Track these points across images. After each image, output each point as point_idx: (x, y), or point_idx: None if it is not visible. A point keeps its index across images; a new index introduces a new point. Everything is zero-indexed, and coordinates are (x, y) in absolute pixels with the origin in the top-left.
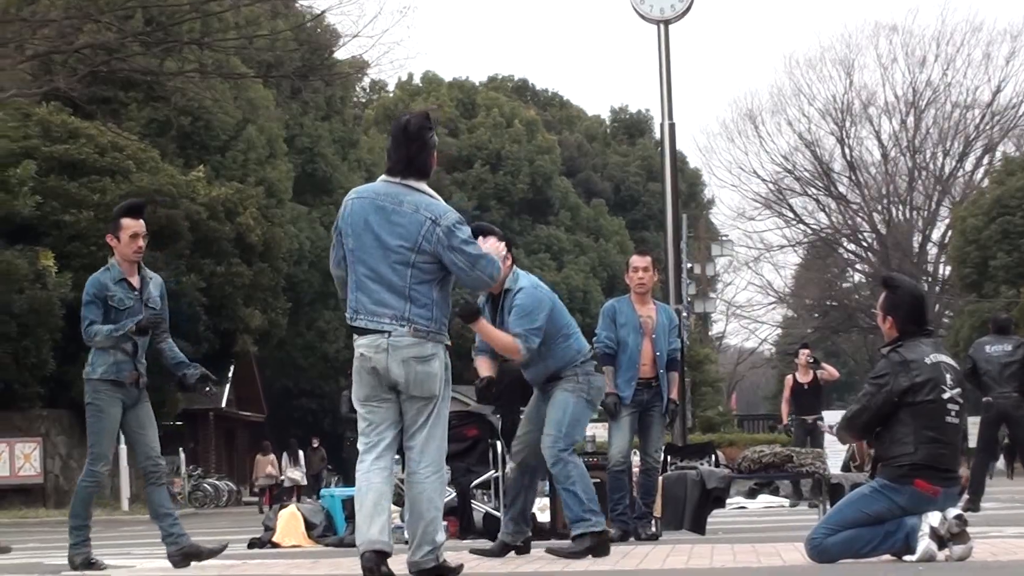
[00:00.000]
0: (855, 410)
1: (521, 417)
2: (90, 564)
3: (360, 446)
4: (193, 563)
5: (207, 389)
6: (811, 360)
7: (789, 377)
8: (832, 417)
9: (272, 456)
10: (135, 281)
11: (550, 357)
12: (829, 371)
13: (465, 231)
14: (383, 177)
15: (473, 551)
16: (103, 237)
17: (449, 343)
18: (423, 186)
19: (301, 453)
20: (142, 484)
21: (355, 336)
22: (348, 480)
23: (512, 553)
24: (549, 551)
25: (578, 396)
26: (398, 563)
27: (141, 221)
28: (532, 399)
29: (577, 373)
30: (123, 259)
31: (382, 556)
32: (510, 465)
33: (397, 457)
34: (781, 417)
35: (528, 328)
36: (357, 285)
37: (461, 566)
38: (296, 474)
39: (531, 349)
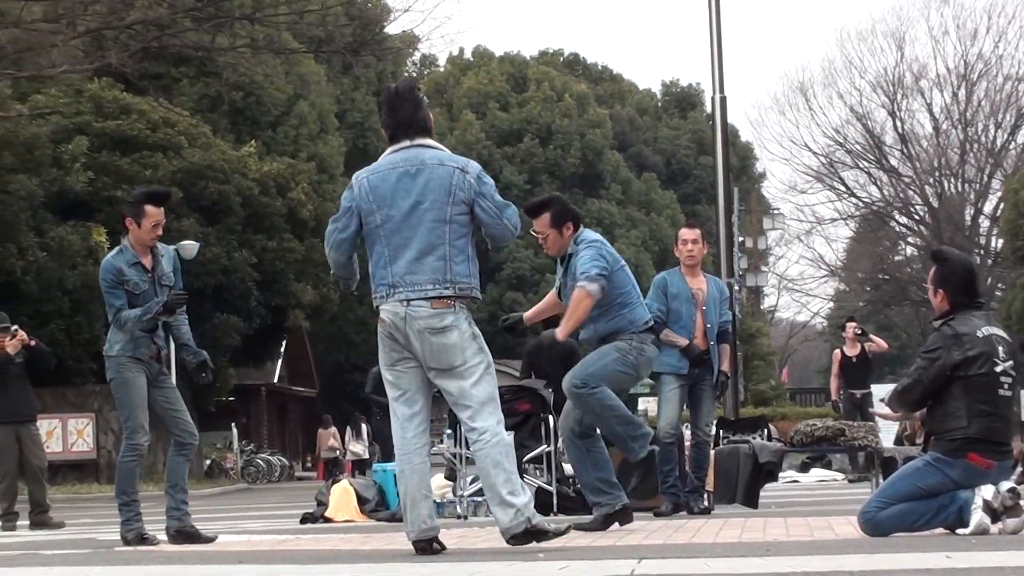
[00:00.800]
0: (907, 384)
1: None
2: (143, 539)
3: (394, 416)
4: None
5: (203, 376)
6: (859, 332)
7: (837, 351)
8: (881, 390)
9: (334, 429)
10: (147, 262)
11: (603, 319)
12: (878, 343)
13: (489, 178)
14: (390, 148)
15: (577, 527)
16: None
17: (479, 296)
18: (433, 142)
19: (364, 427)
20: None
21: (382, 304)
22: (386, 456)
23: (616, 524)
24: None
25: (621, 354)
26: (451, 537)
27: (162, 209)
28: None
29: (631, 339)
30: (139, 243)
31: (433, 539)
32: (562, 441)
33: (449, 432)
34: (831, 392)
35: (592, 266)
36: (392, 258)
37: (557, 529)
38: (359, 447)
39: (596, 285)
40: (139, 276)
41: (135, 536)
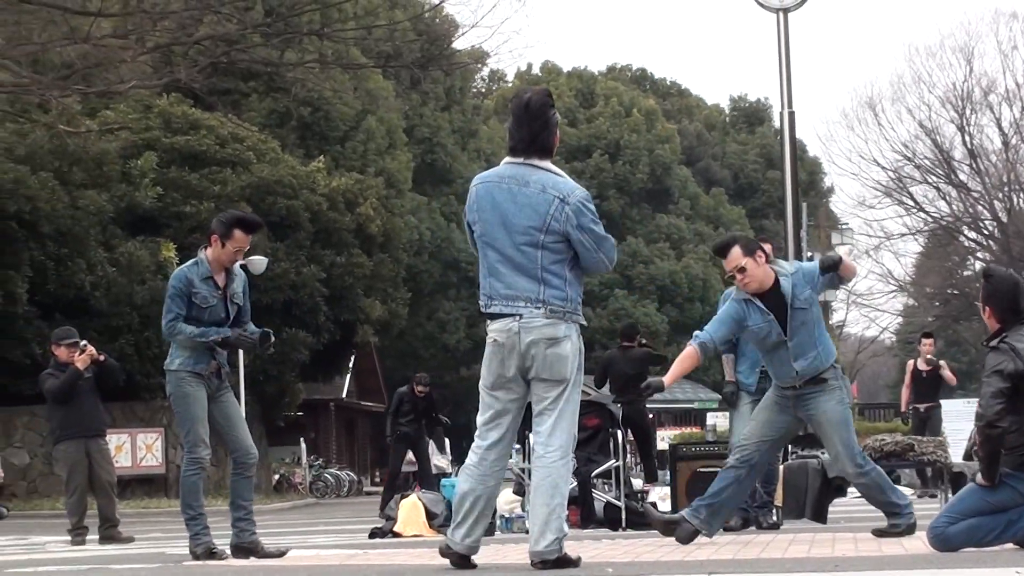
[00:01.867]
0: (993, 407)
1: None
2: (212, 554)
3: (479, 437)
4: (252, 558)
5: (268, 346)
6: (930, 359)
7: (911, 362)
8: (952, 405)
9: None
10: (220, 279)
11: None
12: (947, 377)
13: (592, 209)
14: (507, 159)
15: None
16: None
17: (584, 322)
18: (548, 164)
19: (447, 441)
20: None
21: (488, 322)
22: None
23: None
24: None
25: (844, 406)
26: (518, 552)
27: (250, 237)
28: (767, 403)
29: (837, 376)
30: (216, 262)
31: (469, 557)
32: (732, 459)
33: (518, 447)
34: (901, 404)
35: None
36: (489, 271)
37: (579, 559)
38: (443, 461)
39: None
40: (209, 291)
41: (204, 550)
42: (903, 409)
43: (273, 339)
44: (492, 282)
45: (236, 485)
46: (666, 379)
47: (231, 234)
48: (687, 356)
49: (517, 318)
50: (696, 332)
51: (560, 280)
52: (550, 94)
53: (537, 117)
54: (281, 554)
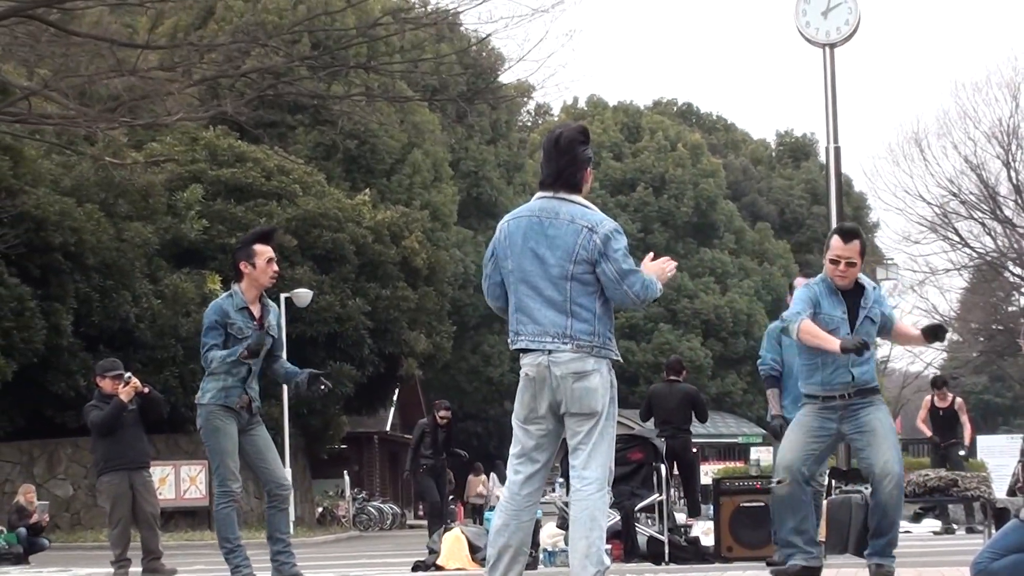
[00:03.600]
0: None
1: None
2: None
3: (512, 471)
4: None
5: (323, 388)
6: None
7: (928, 398)
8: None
9: (483, 476)
10: (256, 310)
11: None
12: (963, 421)
13: (622, 241)
14: (538, 193)
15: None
16: None
17: (617, 358)
18: (577, 198)
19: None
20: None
21: (521, 356)
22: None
23: None
24: None
25: (891, 420)
26: None
27: (270, 247)
28: (803, 420)
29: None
30: (257, 285)
31: None
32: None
33: (561, 481)
34: (927, 433)
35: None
36: (517, 306)
37: None
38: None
39: None
40: (244, 322)
41: None
42: (930, 434)
43: (325, 384)
44: (520, 317)
45: (272, 518)
46: (836, 345)
47: (253, 251)
48: (807, 327)
49: (546, 353)
50: (785, 315)
51: (589, 314)
52: (585, 131)
53: (565, 153)
54: None
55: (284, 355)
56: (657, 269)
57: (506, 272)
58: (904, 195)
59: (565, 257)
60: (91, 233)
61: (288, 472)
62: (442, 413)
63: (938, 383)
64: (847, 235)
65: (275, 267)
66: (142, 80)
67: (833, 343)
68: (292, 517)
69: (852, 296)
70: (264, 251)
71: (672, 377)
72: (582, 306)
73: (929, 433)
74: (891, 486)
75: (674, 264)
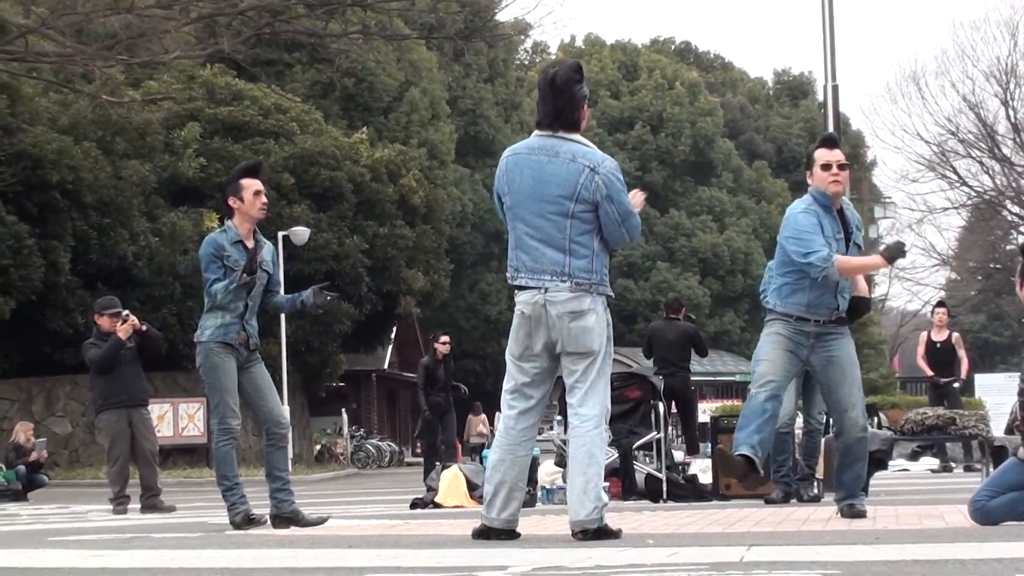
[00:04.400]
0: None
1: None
2: (251, 521)
3: (506, 407)
4: (292, 527)
5: (328, 298)
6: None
7: (924, 334)
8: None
9: (483, 416)
10: (249, 244)
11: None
12: (960, 356)
13: (621, 180)
14: (535, 132)
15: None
16: (266, 199)
17: (611, 294)
18: (576, 136)
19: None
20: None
21: (516, 293)
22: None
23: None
24: None
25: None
26: (560, 524)
27: (257, 180)
28: (781, 340)
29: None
30: (247, 219)
31: (513, 531)
32: (763, 392)
33: (559, 418)
34: (926, 371)
35: None
36: (517, 243)
37: (620, 530)
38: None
39: None
40: (239, 254)
41: (243, 518)
42: (929, 374)
43: (330, 293)
44: (519, 255)
45: (271, 456)
46: (880, 260)
47: (240, 186)
48: (844, 262)
49: (543, 291)
50: (810, 256)
51: (587, 251)
52: (579, 68)
53: (563, 92)
54: (322, 522)
55: (282, 291)
56: (635, 201)
57: (507, 207)
58: (902, 134)
59: (566, 195)
60: (89, 171)
61: (286, 410)
62: (442, 339)
63: (940, 303)
64: (830, 142)
65: (264, 199)
66: (139, 18)
67: (876, 260)
68: (290, 455)
69: (840, 217)
70: (251, 184)
71: (671, 315)
72: (581, 244)
73: (930, 372)
74: (860, 434)
75: (643, 195)
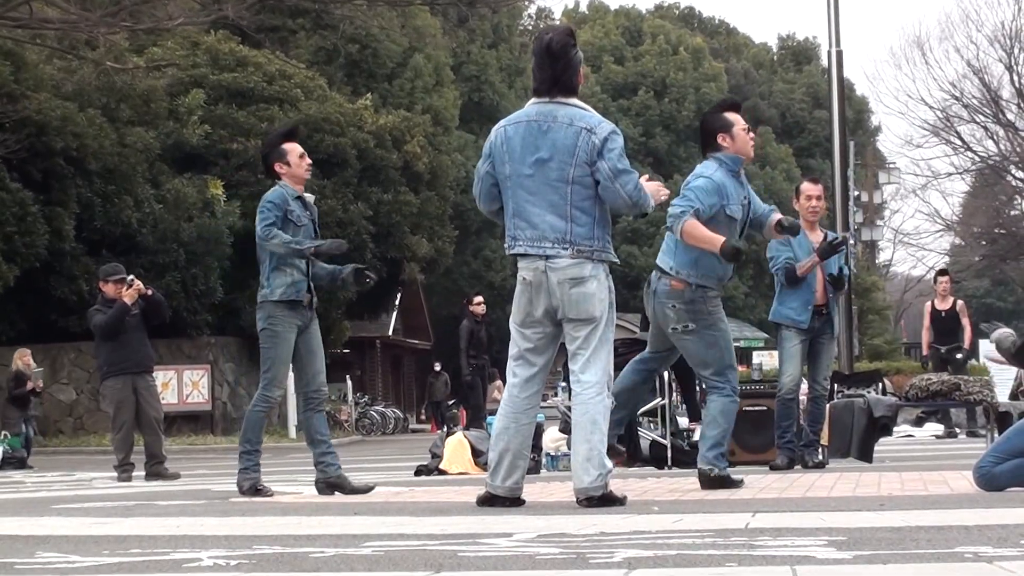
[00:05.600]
0: (1022, 343)
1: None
2: (257, 491)
3: (511, 374)
4: (337, 493)
5: (368, 280)
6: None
7: (928, 303)
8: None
9: (499, 382)
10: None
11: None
12: (964, 324)
13: (618, 141)
14: (532, 100)
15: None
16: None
17: (616, 260)
18: (574, 100)
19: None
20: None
21: (519, 259)
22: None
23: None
24: None
25: None
26: (565, 490)
27: (297, 143)
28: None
29: None
30: (297, 181)
31: (518, 499)
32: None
33: (563, 384)
34: (923, 347)
35: None
36: (516, 211)
37: (625, 497)
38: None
39: None
40: (300, 210)
41: (250, 486)
42: (925, 352)
43: (369, 275)
44: (518, 223)
45: (312, 420)
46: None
47: (283, 151)
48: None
49: (543, 258)
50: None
51: (588, 218)
52: (572, 32)
53: (560, 58)
54: (368, 490)
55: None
56: (653, 188)
57: (503, 177)
58: (906, 99)
59: (566, 160)
60: (93, 138)
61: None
62: (476, 300)
63: (942, 271)
64: (735, 106)
65: (308, 160)
66: None
67: (716, 241)
68: (295, 421)
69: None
70: (293, 147)
71: None
72: (582, 210)
73: (926, 347)
74: None
75: (667, 192)
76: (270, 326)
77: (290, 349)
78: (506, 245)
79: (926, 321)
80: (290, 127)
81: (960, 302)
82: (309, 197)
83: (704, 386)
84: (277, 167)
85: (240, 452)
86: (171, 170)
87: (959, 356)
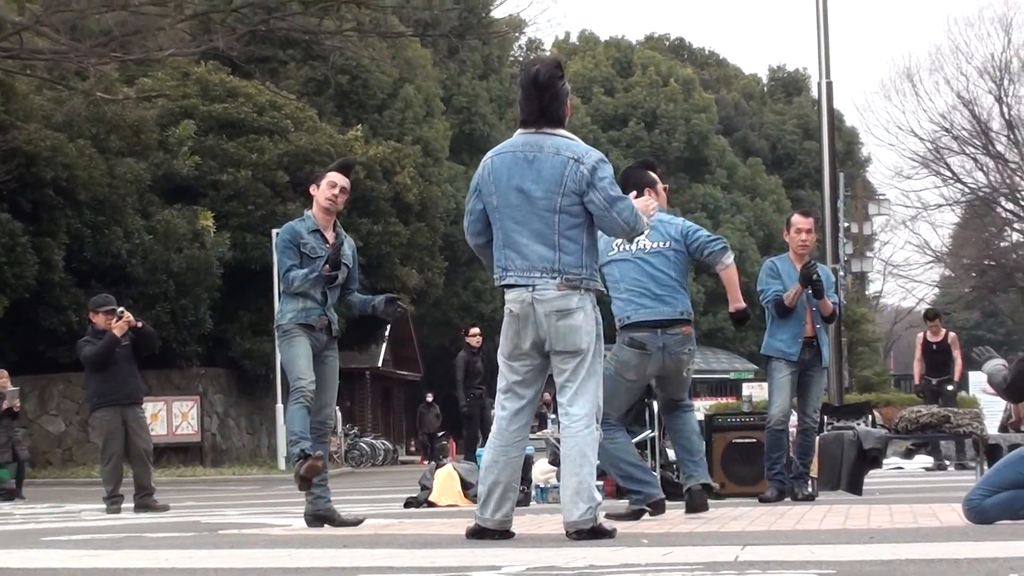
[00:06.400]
0: (1013, 376)
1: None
2: (304, 456)
3: (499, 407)
4: (327, 526)
5: (399, 310)
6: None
7: (920, 335)
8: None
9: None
10: (329, 235)
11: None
12: (955, 356)
13: (607, 170)
14: (519, 130)
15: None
16: (261, 196)
17: (603, 290)
18: (560, 131)
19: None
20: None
21: (505, 291)
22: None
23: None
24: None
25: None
26: (554, 523)
27: (345, 177)
28: None
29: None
30: (319, 208)
31: (507, 531)
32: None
33: (553, 417)
34: (914, 377)
35: None
36: (504, 242)
37: (614, 529)
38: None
39: None
40: (316, 242)
41: (298, 458)
42: (916, 382)
43: (401, 305)
44: (507, 253)
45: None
46: None
47: (322, 173)
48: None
49: (530, 289)
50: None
51: (577, 247)
52: (560, 64)
53: (546, 89)
54: (358, 522)
55: (356, 287)
56: (641, 205)
57: (491, 208)
58: (896, 130)
59: (553, 189)
60: (83, 168)
61: (279, 407)
62: (472, 331)
63: (930, 315)
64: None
65: (335, 191)
66: (133, 15)
67: None
68: (285, 452)
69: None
70: (333, 177)
71: None
72: (570, 239)
73: (917, 379)
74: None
75: (655, 203)
76: (285, 335)
77: (307, 350)
78: (496, 276)
79: (918, 352)
80: (347, 161)
81: (952, 334)
82: (348, 244)
83: (675, 410)
84: (312, 188)
85: (287, 445)
86: (161, 201)
87: (950, 388)
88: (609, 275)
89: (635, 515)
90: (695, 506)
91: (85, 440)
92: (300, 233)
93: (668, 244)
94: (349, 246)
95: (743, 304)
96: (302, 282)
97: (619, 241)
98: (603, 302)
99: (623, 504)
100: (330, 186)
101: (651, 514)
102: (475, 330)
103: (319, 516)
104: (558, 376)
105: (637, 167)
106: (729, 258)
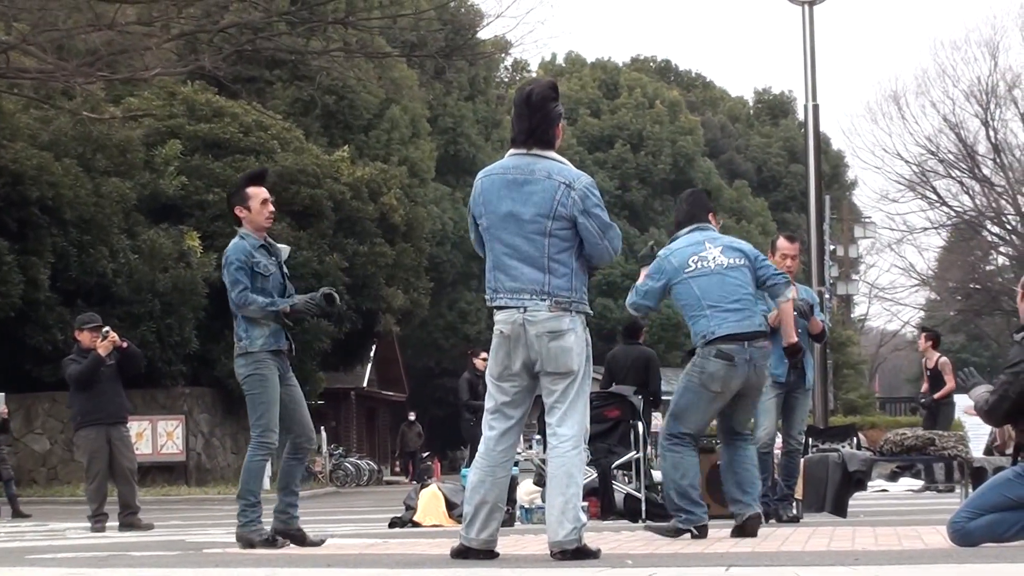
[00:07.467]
0: (994, 400)
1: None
2: (271, 542)
3: (486, 427)
4: (292, 545)
5: (335, 307)
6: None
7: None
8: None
9: None
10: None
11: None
12: (947, 384)
13: (598, 195)
14: (510, 151)
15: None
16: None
17: (590, 312)
18: (551, 153)
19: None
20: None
21: (495, 312)
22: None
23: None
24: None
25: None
26: (539, 543)
27: (263, 188)
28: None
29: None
30: (255, 227)
31: (492, 551)
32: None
33: (538, 437)
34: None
35: None
36: (495, 264)
37: (599, 550)
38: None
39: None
40: (266, 259)
41: (262, 539)
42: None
43: (338, 299)
44: (498, 275)
45: (291, 469)
46: None
47: (246, 194)
48: None
49: (521, 310)
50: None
51: (567, 270)
52: (554, 87)
53: (538, 110)
54: (321, 543)
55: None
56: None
57: (483, 229)
58: (882, 153)
59: (543, 213)
60: (69, 188)
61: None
62: (482, 355)
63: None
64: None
65: (271, 207)
66: (120, 35)
67: None
68: (268, 472)
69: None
70: (257, 192)
71: (629, 340)
72: (560, 262)
73: (925, 386)
74: None
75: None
76: (256, 371)
77: (277, 392)
78: (487, 297)
79: (925, 372)
80: (259, 170)
81: (943, 359)
82: (284, 249)
83: (736, 439)
84: (237, 211)
85: (242, 506)
86: (147, 220)
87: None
88: (686, 293)
89: (676, 532)
90: (748, 530)
91: (70, 459)
92: (251, 252)
93: (744, 262)
94: (286, 253)
95: (795, 339)
96: (259, 310)
97: (695, 258)
98: (590, 323)
99: (607, 525)
100: (264, 203)
101: (693, 536)
102: (484, 354)
103: (288, 534)
104: (547, 396)
105: (701, 191)
106: (791, 292)
